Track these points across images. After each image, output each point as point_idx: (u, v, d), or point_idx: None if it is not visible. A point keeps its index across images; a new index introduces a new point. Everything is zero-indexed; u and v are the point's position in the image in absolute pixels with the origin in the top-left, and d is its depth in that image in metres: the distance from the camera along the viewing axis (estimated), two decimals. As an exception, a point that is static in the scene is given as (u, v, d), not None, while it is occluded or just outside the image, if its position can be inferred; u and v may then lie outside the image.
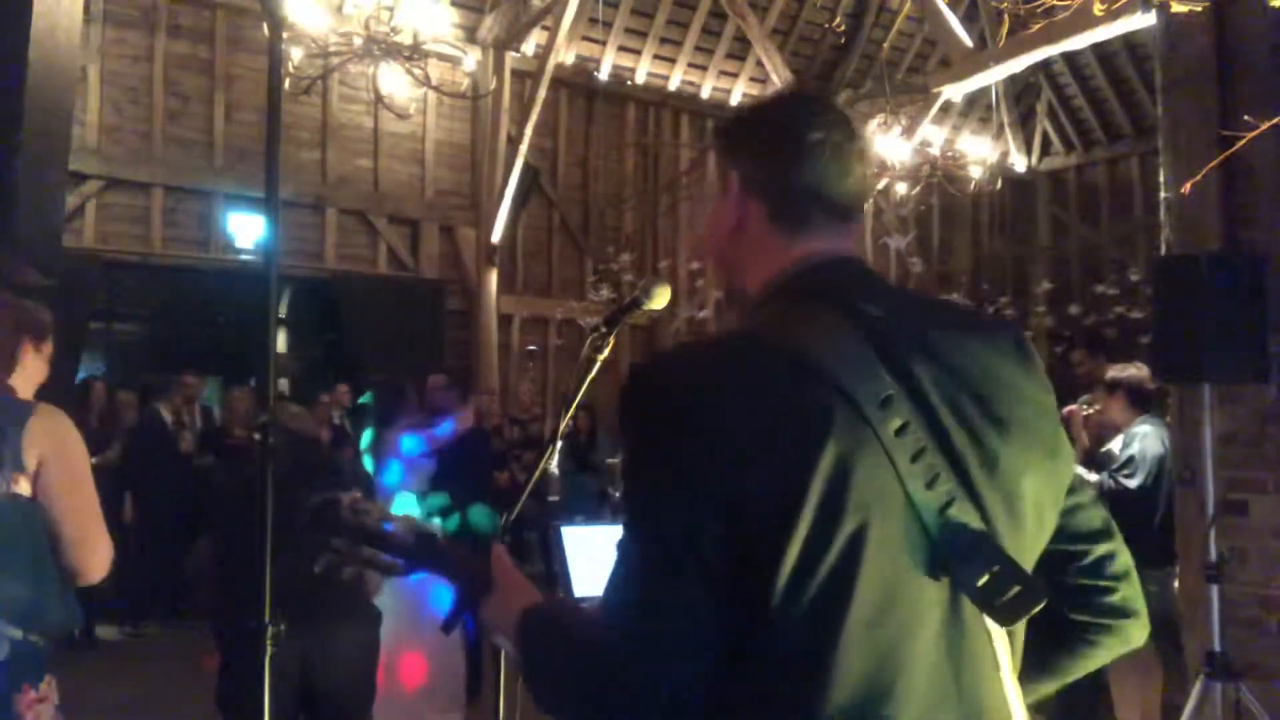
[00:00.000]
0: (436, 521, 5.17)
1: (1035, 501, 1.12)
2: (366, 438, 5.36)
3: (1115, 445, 4.46)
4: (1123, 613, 1.22)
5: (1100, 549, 1.22)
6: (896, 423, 1.03)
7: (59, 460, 2.35)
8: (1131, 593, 1.23)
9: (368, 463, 5.25)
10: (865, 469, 1.00)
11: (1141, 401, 4.47)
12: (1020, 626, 1.10)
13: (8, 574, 2.28)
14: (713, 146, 1.27)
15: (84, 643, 6.67)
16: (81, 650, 6.45)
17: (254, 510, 2.00)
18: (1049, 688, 1.25)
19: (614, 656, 1.00)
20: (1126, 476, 4.29)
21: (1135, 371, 4.53)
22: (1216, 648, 3.45)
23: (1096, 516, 1.23)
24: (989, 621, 1.06)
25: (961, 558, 1.03)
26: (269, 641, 2.01)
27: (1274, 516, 3.92)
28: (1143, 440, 4.34)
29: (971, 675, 1.06)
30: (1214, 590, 3.49)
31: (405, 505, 5.00)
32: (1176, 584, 4.14)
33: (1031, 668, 1.14)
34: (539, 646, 1.13)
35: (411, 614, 4.60)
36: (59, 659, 2.46)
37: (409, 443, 5.08)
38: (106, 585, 2.71)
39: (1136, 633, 1.24)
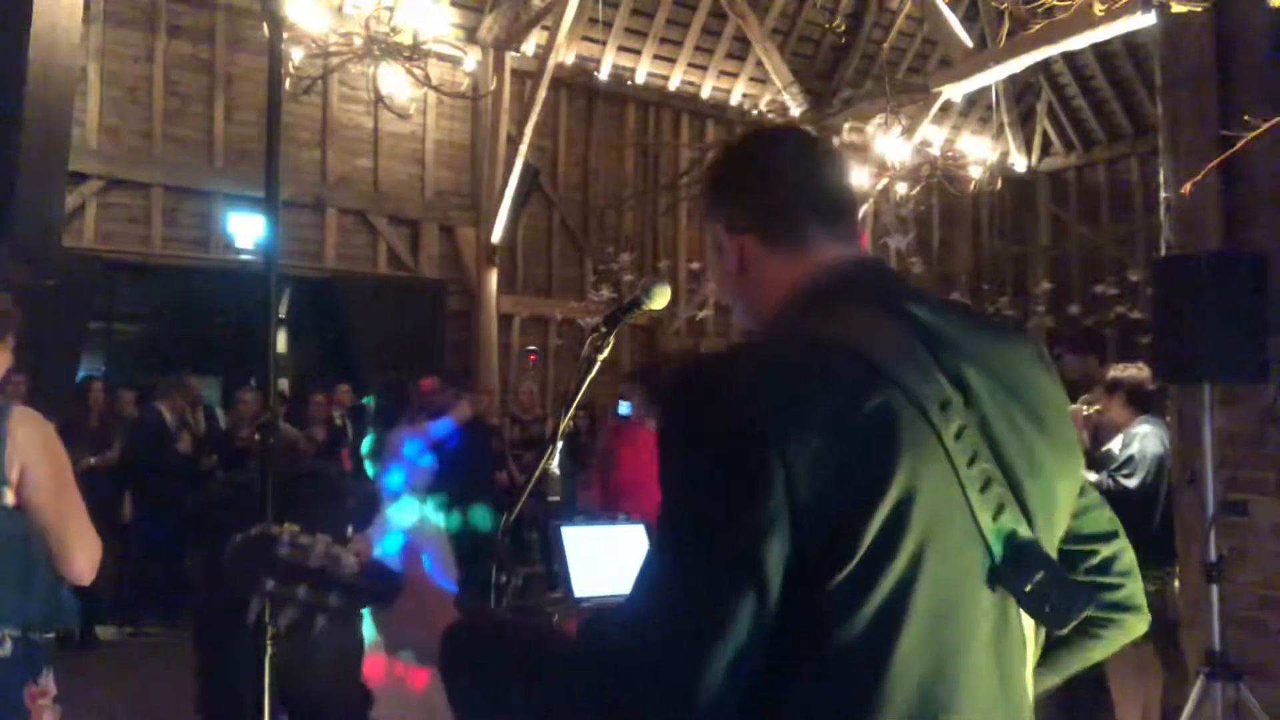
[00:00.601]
0: (440, 519, 5.18)
1: (1064, 505, 1.15)
2: (368, 443, 5.36)
3: (1115, 445, 4.46)
4: (1126, 607, 1.26)
5: (1108, 549, 1.25)
6: (956, 426, 1.02)
7: (40, 466, 2.30)
8: (1135, 588, 1.27)
9: (369, 467, 5.26)
10: (932, 476, 0.99)
11: (1141, 401, 4.47)
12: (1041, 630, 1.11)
13: (4, 579, 2.26)
14: (700, 213, 1.27)
15: (84, 643, 6.65)
16: (81, 650, 6.44)
17: (247, 515, 2.00)
18: (1050, 683, 1.27)
19: (647, 662, 0.94)
20: (1126, 476, 4.29)
21: (1135, 371, 4.53)
22: (1216, 647, 3.46)
23: (1103, 518, 1.26)
24: (1026, 625, 1.07)
25: (1010, 565, 1.03)
26: (269, 642, 2.02)
27: (1274, 516, 3.92)
28: (1142, 440, 4.34)
29: (1012, 679, 1.07)
30: (1214, 590, 3.50)
31: (407, 507, 5.01)
32: (1176, 584, 4.14)
33: (1038, 664, 1.15)
34: (492, 665, 1.06)
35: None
36: (59, 659, 2.45)
37: (410, 446, 5.08)
38: (106, 585, 2.69)
39: (1138, 625, 1.28)
